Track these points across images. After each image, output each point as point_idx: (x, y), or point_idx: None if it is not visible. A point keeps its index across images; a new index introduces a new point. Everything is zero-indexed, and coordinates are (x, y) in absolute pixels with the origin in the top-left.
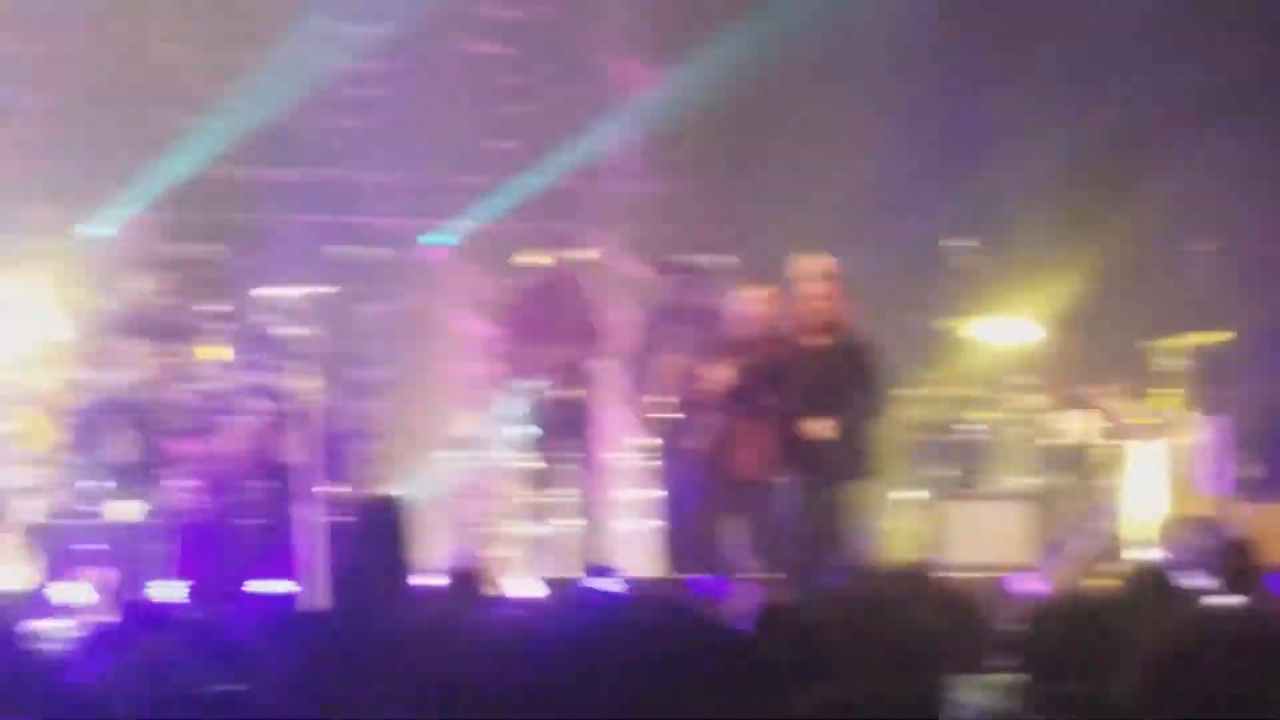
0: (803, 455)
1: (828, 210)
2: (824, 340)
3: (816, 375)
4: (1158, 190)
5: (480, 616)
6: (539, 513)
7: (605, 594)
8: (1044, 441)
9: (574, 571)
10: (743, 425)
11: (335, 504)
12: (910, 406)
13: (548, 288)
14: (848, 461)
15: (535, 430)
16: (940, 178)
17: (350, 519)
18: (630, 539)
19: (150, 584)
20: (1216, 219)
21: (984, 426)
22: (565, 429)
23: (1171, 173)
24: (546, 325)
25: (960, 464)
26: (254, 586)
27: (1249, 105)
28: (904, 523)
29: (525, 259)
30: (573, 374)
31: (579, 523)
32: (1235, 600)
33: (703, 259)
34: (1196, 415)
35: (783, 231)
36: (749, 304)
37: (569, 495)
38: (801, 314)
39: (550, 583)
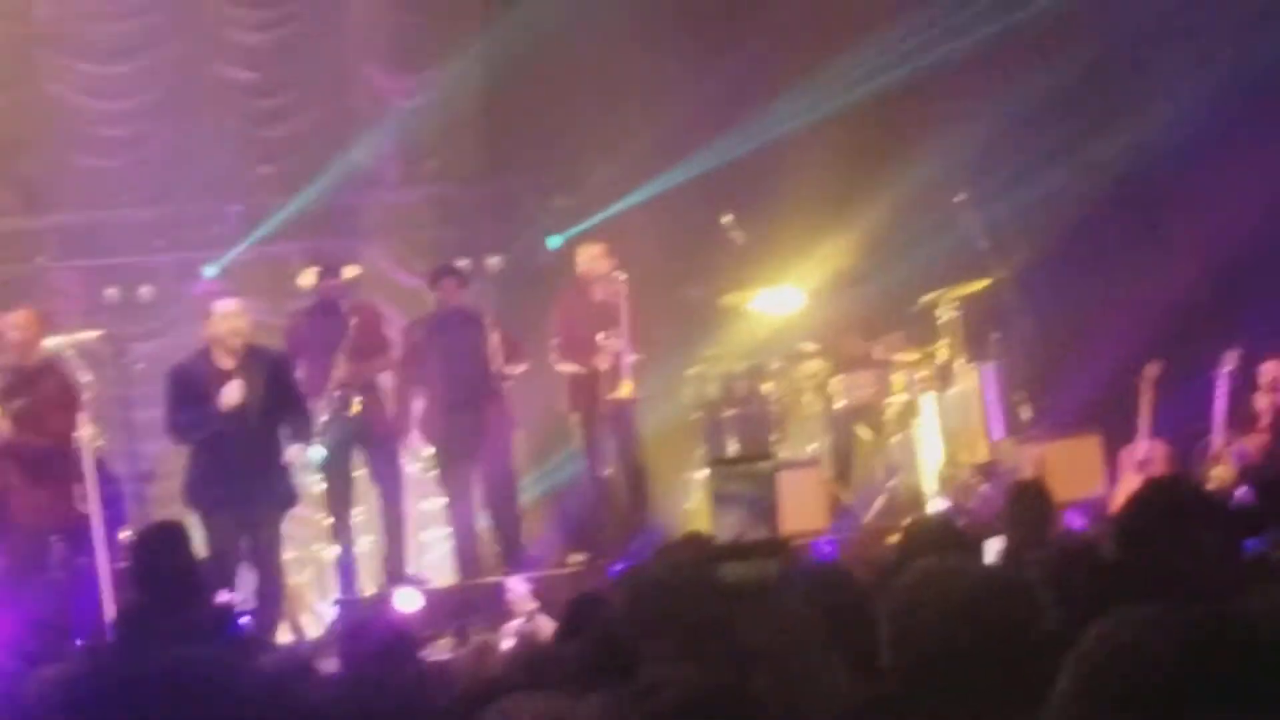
0: None
1: (596, 196)
2: None
3: None
4: (920, 147)
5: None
6: (339, 533)
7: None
8: (828, 405)
9: (376, 588)
10: None
11: (124, 549)
12: (693, 384)
13: (326, 306)
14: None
15: (325, 450)
16: (703, 150)
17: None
18: (432, 549)
19: None
20: (978, 169)
21: (768, 396)
22: (358, 445)
23: (933, 125)
24: (330, 344)
25: (748, 436)
26: (50, 639)
27: (1001, 56)
28: (701, 501)
29: (305, 280)
30: (362, 389)
31: (376, 538)
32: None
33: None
34: (969, 363)
35: (556, 220)
36: None
37: (363, 512)
38: None
39: (347, 604)
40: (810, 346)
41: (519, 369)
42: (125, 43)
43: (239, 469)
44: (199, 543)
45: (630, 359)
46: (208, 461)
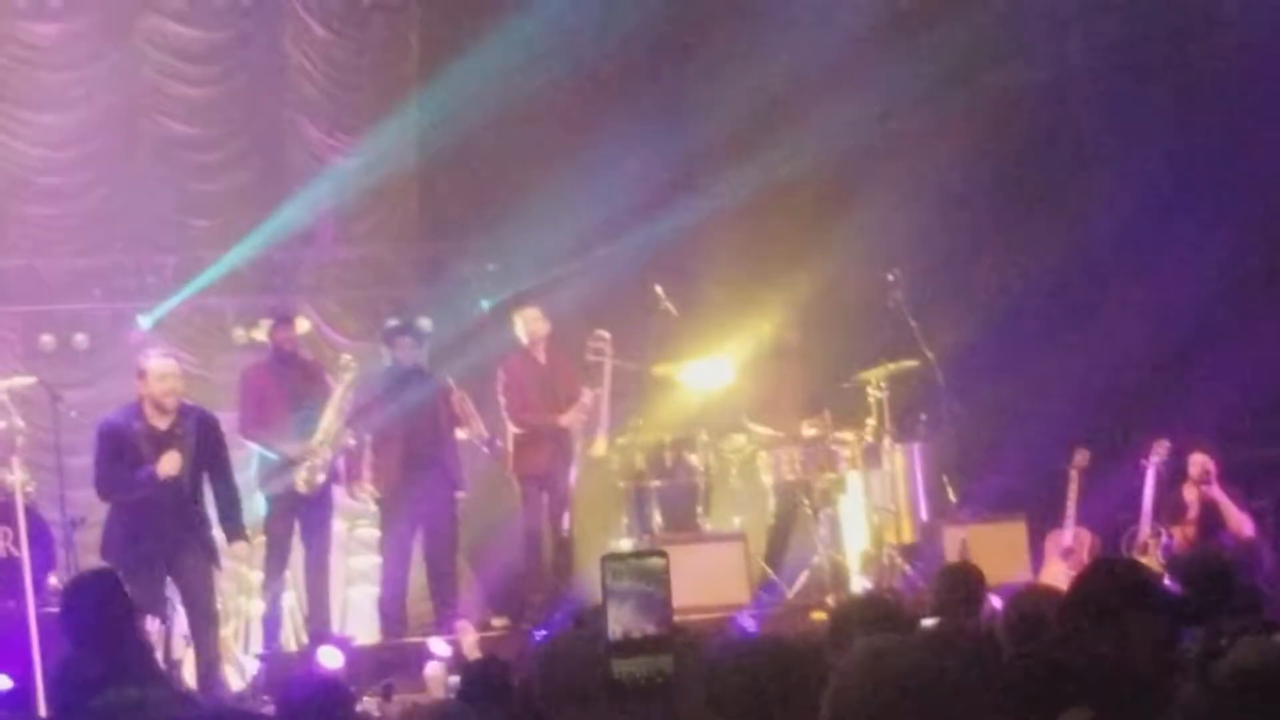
0: None
1: (531, 260)
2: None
3: None
4: (852, 222)
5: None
6: (268, 588)
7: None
8: (753, 479)
9: (298, 644)
10: None
11: (53, 595)
12: (620, 453)
13: (283, 357)
14: None
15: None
16: (637, 218)
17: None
18: (357, 607)
19: None
20: (910, 248)
21: (695, 469)
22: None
23: (866, 203)
24: (292, 394)
25: (673, 508)
26: None
27: (935, 136)
28: None
29: (257, 333)
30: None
31: (300, 594)
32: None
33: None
34: (897, 443)
35: (487, 286)
36: None
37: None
38: None
39: (270, 657)
40: (738, 419)
41: (472, 430)
42: (67, 92)
43: (164, 528)
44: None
45: (604, 419)
46: (132, 519)
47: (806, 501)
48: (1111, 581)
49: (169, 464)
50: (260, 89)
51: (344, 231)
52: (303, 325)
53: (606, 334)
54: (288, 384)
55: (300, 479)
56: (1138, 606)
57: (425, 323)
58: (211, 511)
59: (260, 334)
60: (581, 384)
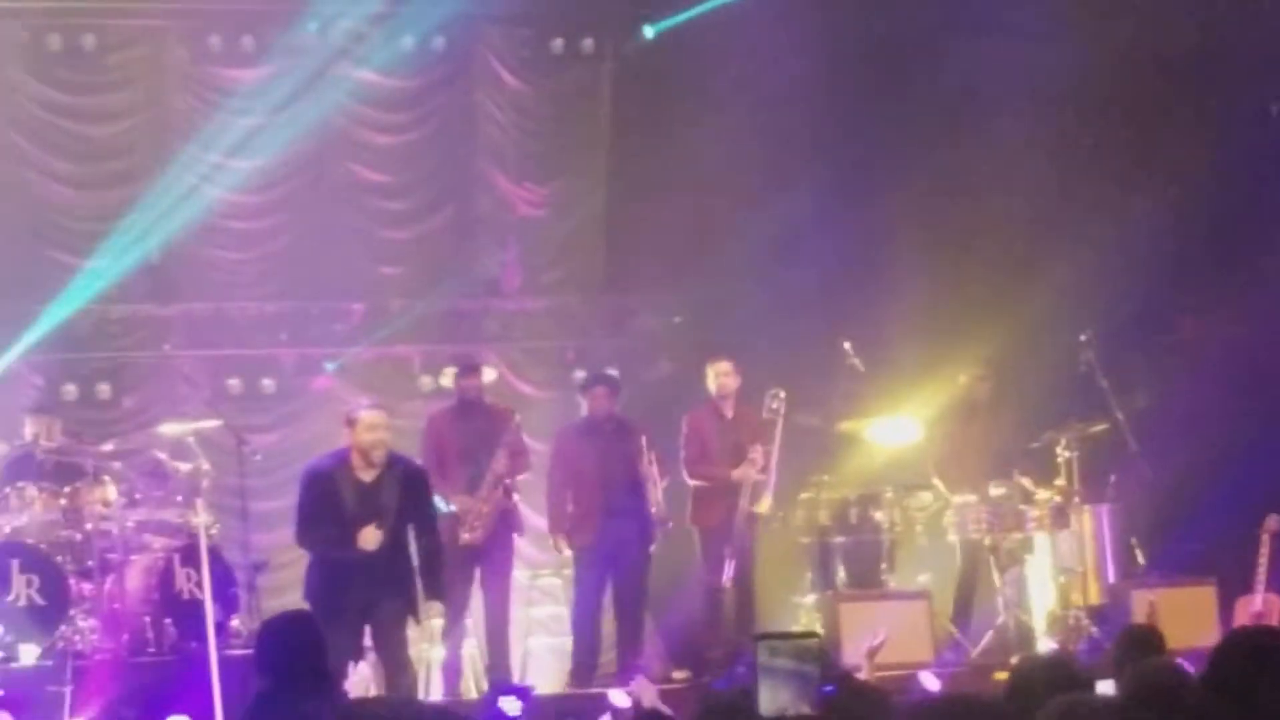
0: None
1: (718, 314)
2: None
3: None
4: (1043, 281)
5: None
6: (449, 635)
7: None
8: (939, 537)
9: (478, 692)
10: None
11: (235, 637)
12: (805, 508)
13: (467, 406)
14: None
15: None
16: (826, 273)
17: (251, 649)
18: (538, 657)
19: None
20: (1100, 308)
21: (880, 525)
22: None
23: (1057, 262)
24: (474, 442)
25: (858, 564)
26: None
27: (1130, 194)
28: (805, 624)
29: (444, 379)
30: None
31: (475, 641)
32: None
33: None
34: (1085, 504)
35: (672, 338)
36: None
37: (469, 616)
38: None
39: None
40: (928, 478)
41: (664, 481)
42: (259, 138)
43: (366, 579)
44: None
45: (773, 475)
46: (335, 567)
47: (993, 561)
48: (1246, 652)
49: (368, 539)
50: (451, 137)
51: (531, 282)
52: (488, 374)
53: (782, 392)
54: (464, 435)
55: (464, 531)
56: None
57: (613, 373)
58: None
59: (447, 380)
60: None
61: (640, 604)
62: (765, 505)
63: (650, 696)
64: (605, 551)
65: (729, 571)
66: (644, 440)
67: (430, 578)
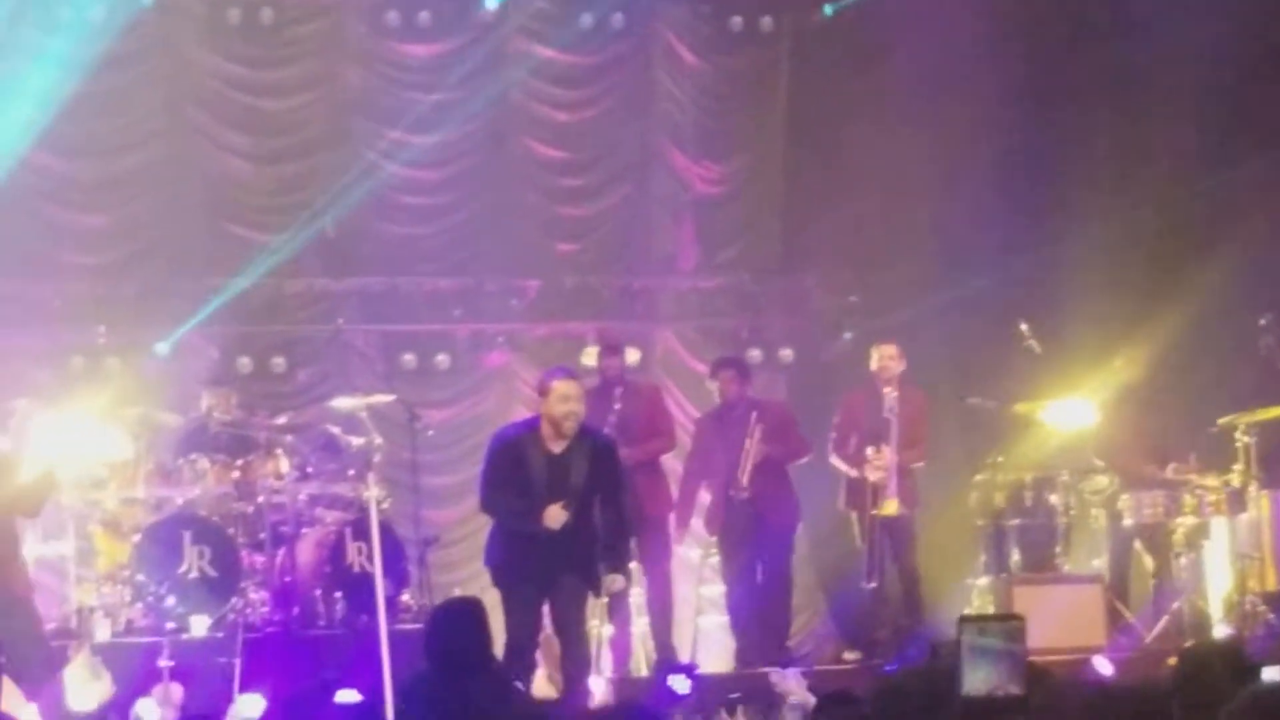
0: None
1: (888, 296)
2: None
3: None
4: (1222, 263)
5: None
6: (616, 613)
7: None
8: (1113, 521)
9: (646, 669)
10: None
11: (405, 611)
12: (979, 491)
13: (604, 386)
14: None
15: None
16: (1004, 252)
17: (421, 625)
18: (707, 636)
19: (223, 699)
20: None
21: (1054, 509)
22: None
23: (1238, 243)
24: (616, 424)
25: (1032, 547)
26: (326, 698)
27: None
28: (978, 606)
29: (587, 358)
30: (637, 471)
31: (645, 620)
32: None
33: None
34: (1263, 490)
35: (848, 318)
36: None
37: (636, 593)
38: None
39: (619, 682)
40: (1100, 462)
41: (801, 459)
42: (436, 113)
43: (549, 553)
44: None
45: (894, 478)
46: (518, 539)
47: (1168, 546)
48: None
49: (553, 518)
50: (628, 114)
51: (707, 259)
52: (631, 355)
53: (895, 392)
54: (597, 412)
55: None
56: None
57: (754, 354)
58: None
59: (589, 358)
60: (925, 431)
61: (785, 588)
62: (891, 508)
63: (792, 687)
64: (745, 538)
65: (873, 565)
66: (754, 417)
67: (613, 554)
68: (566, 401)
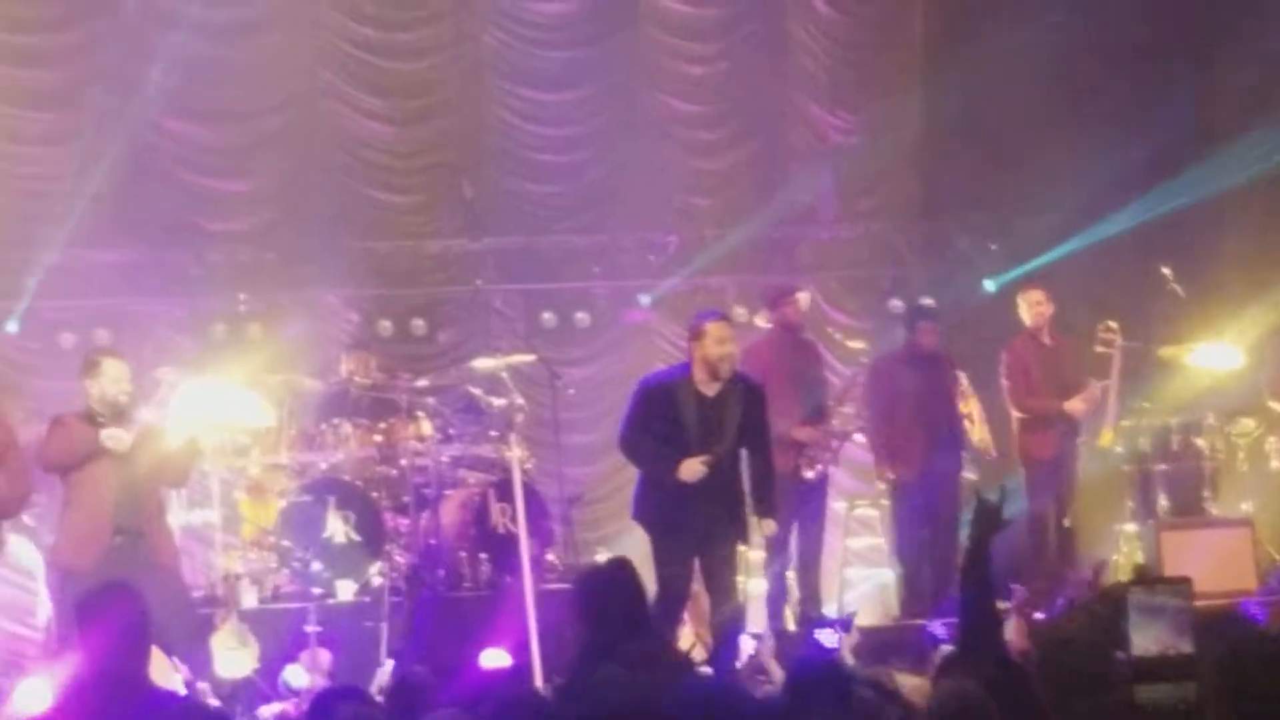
0: None
1: (1034, 238)
2: None
3: None
4: None
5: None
6: (771, 566)
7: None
8: (1262, 464)
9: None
10: None
11: (550, 571)
12: (1125, 436)
13: (785, 334)
14: None
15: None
16: (1145, 195)
17: (568, 584)
18: (857, 586)
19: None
20: None
21: (1201, 453)
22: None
23: None
24: (793, 372)
25: (1179, 492)
26: (476, 659)
27: None
28: (1126, 552)
29: (758, 320)
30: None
31: (797, 575)
32: None
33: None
34: None
35: (989, 264)
36: None
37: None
38: None
39: (770, 637)
40: (1247, 404)
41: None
42: (569, 71)
43: (699, 503)
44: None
45: (1113, 409)
46: (669, 493)
47: None
48: None
49: (690, 471)
50: (762, 66)
51: (845, 210)
52: (804, 301)
53: (1115, 324)
54: (789, 362)
55: (806, 467)
56: None
57: (929, 302)
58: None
59: (761, 320)
60: (1087, 372)
61: (954, 539)
62: (1107, 438)
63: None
64: (924, 485)
65: (1068, 512)
66: (963, 377)
67: (763, 501)
68: (723, 344)
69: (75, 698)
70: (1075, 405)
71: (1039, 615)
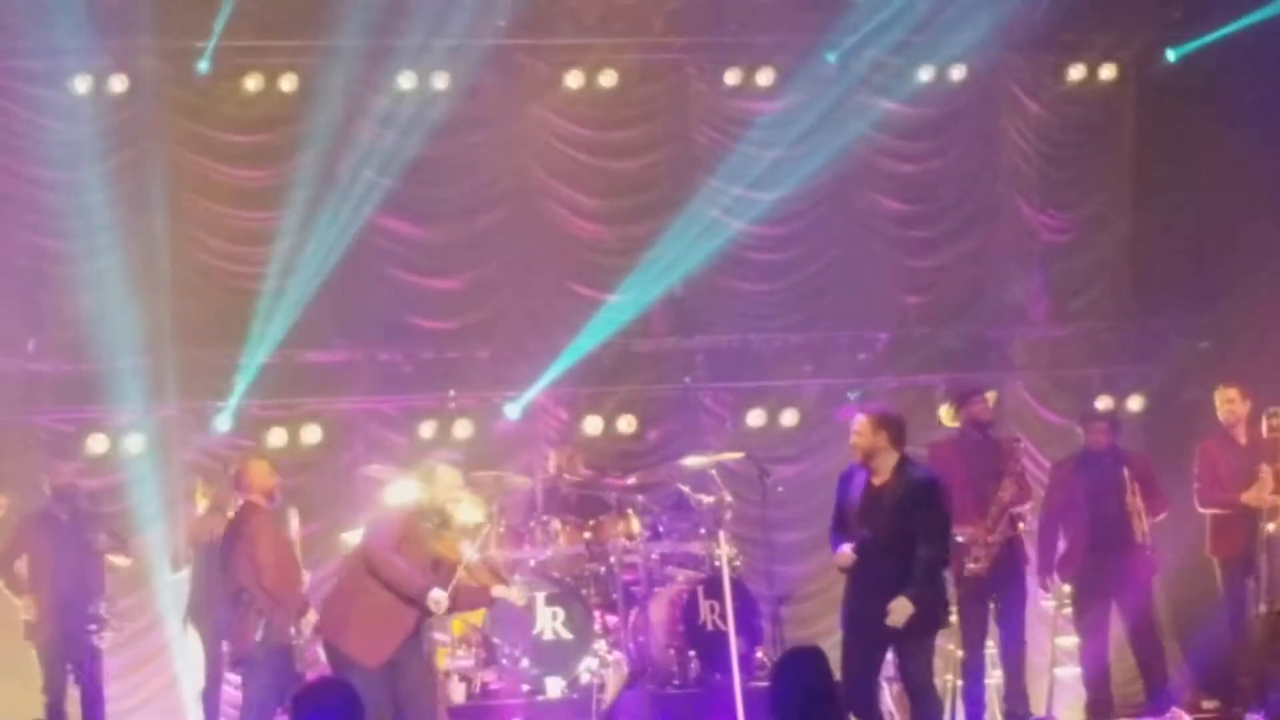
0: None
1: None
2: None
3: None
4: None
5: None
6: (969, 665)
7: None
8: None
9: None
10: None
11: (759, 668)
12: None
13: (969, 436)
14: None
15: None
16: None
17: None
18: (1067, 684)
19: None
20: None
21: None
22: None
23: None
24: (961, 477)
25: None
26: None
27: None
28: None
29: (944, 417)
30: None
31: (999, 673)
32: None
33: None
34: None
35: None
36: None
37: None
38: None
39: None
40: None
41: (1160, 515)
42: (780, 169)
43: (856, 588)
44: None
45: None
46: (850, 579)
47: None
48: None
49: (840, 558)
50: (974, 165)
51: (1056, 308)
52: (992, 400)
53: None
54: (970, 463)
55: (969, 561)
56: None
57: (1135, 401)
58: None
59: (947, 418)
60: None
61: (1152, 633)
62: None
63: None
64: (1101, 584)
65: (1250, 604)
66: (1127, 473)
67: (910, 581)
68: (852, 435)
69: None
70: (1251, 494)
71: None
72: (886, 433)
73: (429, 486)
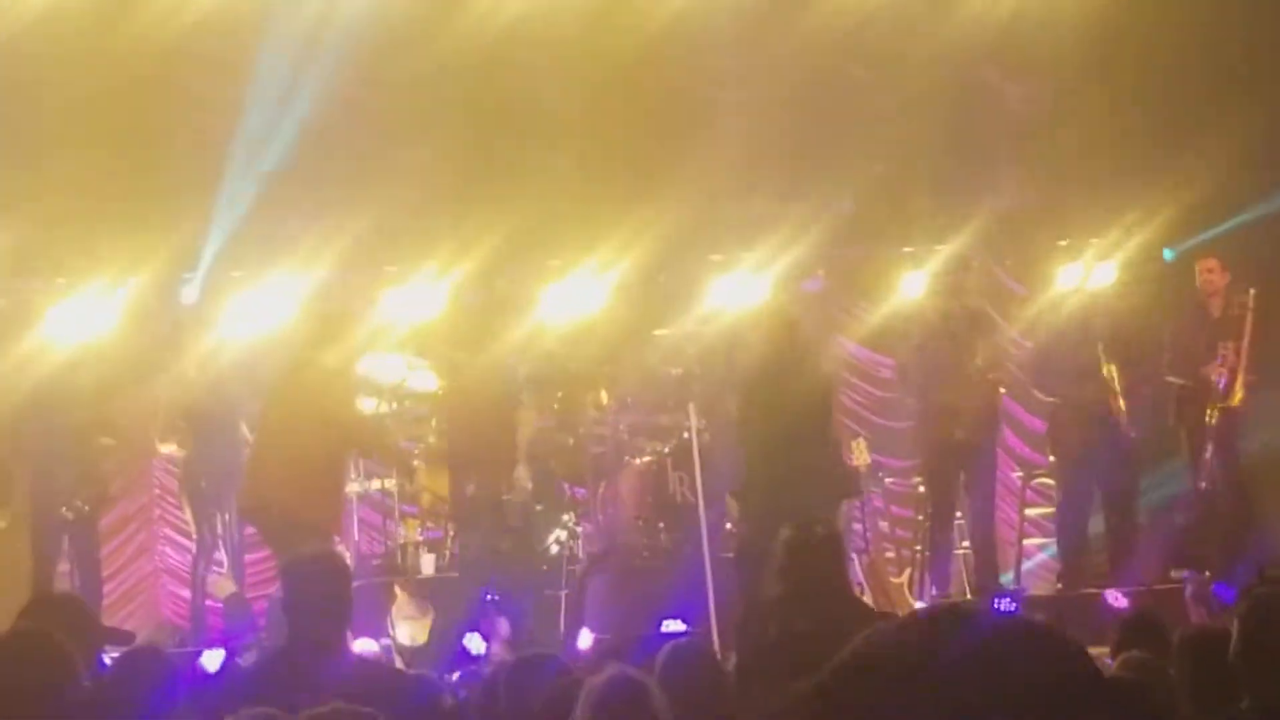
0: None
1: (1213, 209)
2: None
3: None
4: None
5: None
6: (935, 535)
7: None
8: None
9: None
10: None
11: (727, 539)
12: None
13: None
14: None
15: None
16: None
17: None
18: (1030, 558)
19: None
20: None
21: None
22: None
23: None
24: None
25: None
26: (657, 627)
27: None
28: None
29: None
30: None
31: (968, 545)
32: None
33: None
34: None
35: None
36: None
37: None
38: None
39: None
40: None
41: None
42: None
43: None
44: None
45: (1245, 374)
46: None
47: None
48: None
49: None
50: None
51: None
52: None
53: (1253, 289)
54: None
55: (957, 428)
56: None
57: None
58: None
59: None
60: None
61: (1129, 506)
62: (1236, 398)
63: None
64: (1088, 460)
65: (1214, 474)
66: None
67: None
68: None
69: (277, 659)
70: (1208, 369)
71: (1217, 587)
72: None
73: None
